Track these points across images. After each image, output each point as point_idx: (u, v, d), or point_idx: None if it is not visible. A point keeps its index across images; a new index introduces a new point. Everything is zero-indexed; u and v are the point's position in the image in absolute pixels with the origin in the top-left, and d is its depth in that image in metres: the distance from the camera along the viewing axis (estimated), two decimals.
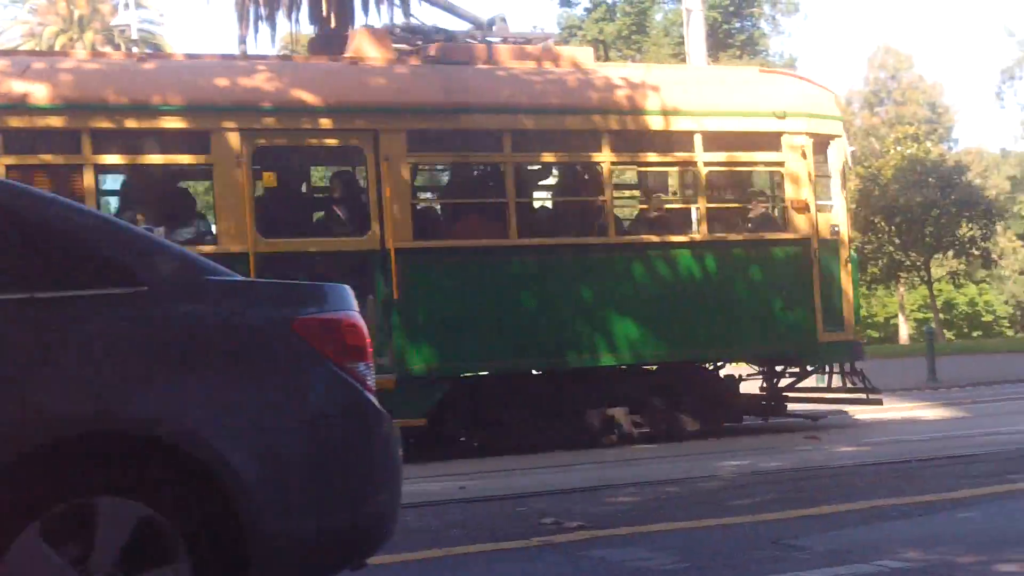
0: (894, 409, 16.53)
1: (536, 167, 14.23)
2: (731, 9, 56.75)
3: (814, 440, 13.00)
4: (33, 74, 11.93)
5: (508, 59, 14.08)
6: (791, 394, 15.48)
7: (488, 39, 14.52)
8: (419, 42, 14.33)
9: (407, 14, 35.19)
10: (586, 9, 58.40)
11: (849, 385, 15.33)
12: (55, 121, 11.82)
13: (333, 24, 34.34)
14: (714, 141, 14.18)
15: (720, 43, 54.69)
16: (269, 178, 12.72)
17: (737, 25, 58.22)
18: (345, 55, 14.21)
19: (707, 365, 14.96)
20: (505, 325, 13.17)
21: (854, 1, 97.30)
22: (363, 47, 13.89)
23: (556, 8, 59.23)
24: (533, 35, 15.39)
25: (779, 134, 14.48)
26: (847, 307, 14.96)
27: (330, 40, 36.41)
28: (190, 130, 12.31)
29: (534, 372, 13.82)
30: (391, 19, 35.68)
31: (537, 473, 11.22)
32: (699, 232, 14.10)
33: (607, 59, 15.01)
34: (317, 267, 11.97)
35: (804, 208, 14.46)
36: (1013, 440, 11.88)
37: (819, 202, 14.66)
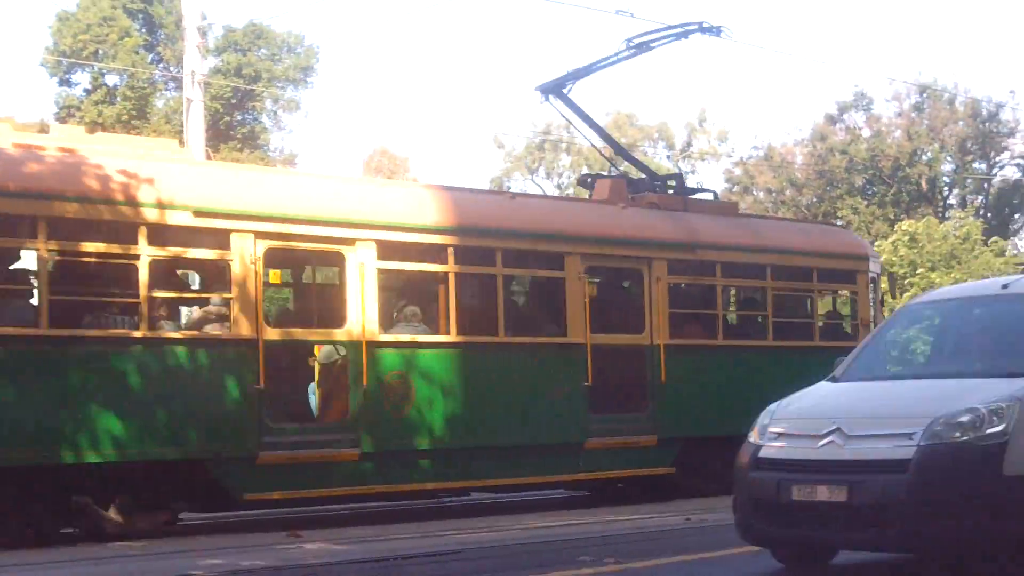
0: None
1: (735, 289, 19.89)
2: (233, 102, 56.80)
3: (296, 537, 12.94)
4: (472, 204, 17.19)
5: (696, 208, 19.56)
6: None
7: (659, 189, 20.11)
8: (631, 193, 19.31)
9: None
10: (85, 90, 56.48)
11: None
12: (473, 241, 16.38)
13: None
14: (817, 274, 20.00)
15: (222, 134, 54.56)
16: (592, 289, 17.73)
17: (239, 118, 58.36)
18: (594, 198, 19.05)
19: None
20: (715, 400, 18.25)
21: (354, 103, 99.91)
22: (604, 192, 18.85)
23: (54, 87, 56.70)
24: (698, 189, 22.35)
25: (855, 272, 20.45)
26: None
27: None
28: (552, 252, 17.04)
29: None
30: None
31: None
32: (815, 339, 19.62)
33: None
34: (618, 356, 17.56)
35: (868, 324, 19.89)
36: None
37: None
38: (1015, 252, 64.62)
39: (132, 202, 13.60)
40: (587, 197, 19.70)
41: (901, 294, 58.71)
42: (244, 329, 14.14)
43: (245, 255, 14.23)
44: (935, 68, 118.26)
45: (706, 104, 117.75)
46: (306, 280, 18.17)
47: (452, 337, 15.87)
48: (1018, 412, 8.95)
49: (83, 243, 13.35)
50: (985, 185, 75.12)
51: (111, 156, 14.04)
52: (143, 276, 13.55)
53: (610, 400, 17.41)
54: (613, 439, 17.32)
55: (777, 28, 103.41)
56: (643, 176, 20.84)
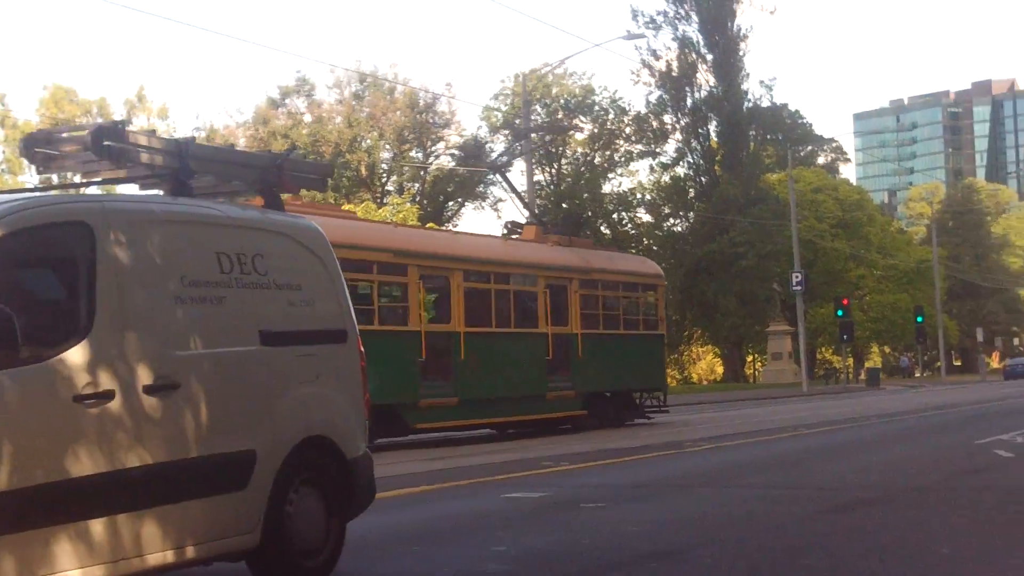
0: None
1: (604, 296, 29.06)
2: None
3: None
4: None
5: (584, 246, 30.90)
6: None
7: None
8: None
9: None
10: None
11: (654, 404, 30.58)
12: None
13: None
14: (641, 287, 30.56)
15: None
16: (547, 298, 26.70)
17: None
18: (523, 238, 28.51)
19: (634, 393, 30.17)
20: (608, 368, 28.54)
21: None
22: (531, 234, 28.56)
23: None
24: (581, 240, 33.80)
25: (655, 285, 31.18)
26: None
27: None
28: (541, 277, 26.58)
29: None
30: None
31: None
32: (636, 330, 29.89)
33: None
34: (557, 340, 26.84)
35: (662, 320, 31.84)
36: None
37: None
38: None
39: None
40: (516, 238, 28.37)
41: None
42: None
43: None
44: (375, 58, 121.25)
45: (145, 80, 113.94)
46: None
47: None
48: None
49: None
50: (422, 173, 77.42)
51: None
52: None
53: (554, 368, 26.42)
54: (559, 392, 26.42)
55: (220, 7, 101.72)
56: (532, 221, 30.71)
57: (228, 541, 7.49)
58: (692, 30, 74.86)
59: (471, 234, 29.55)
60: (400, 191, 75.80)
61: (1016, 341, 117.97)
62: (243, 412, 7.64)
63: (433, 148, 78.22)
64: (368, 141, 74.40)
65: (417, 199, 73.86)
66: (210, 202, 8.30)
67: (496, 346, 24.55)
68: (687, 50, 74.73)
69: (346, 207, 64.48)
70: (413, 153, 77.44)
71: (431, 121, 76.16)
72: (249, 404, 7.70)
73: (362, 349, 8.93)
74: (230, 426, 7.52)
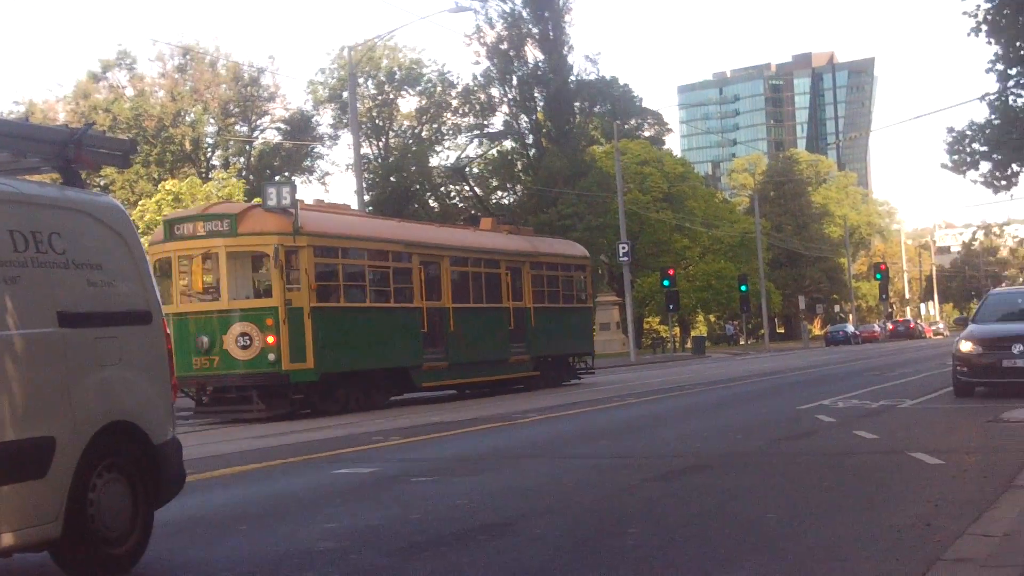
0: None
1: (548, 276, 34.25)
2: None
3: None
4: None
5: (527, 234, 36.77)
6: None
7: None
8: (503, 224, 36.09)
9: None
10: None
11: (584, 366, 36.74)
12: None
13: None
14: (574, 268, 35.95)
15: None
16: (508, 278, 32.37)
17: None
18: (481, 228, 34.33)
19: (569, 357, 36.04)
20: (552, 335, 34.40)
21: None
22: (488, 225, 34.43)
23: None
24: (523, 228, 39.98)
25: (584, 265, 36.83)
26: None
27: None
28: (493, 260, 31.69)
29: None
30: None
31: None
32: (571, 303, 35.29)
33: None
34: (516, 312, 32.41)
35: (590, 295, 38.08)
36: None
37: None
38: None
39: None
40: (475, 228, 34.30)
41: None
42: None
43: None
44: (198, 31, 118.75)
45: None
46: None
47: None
48: None
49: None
50: (247, 147, 76.10)
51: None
52: None
53: (514, 336, 31.66)
54: (518, 356, 31.71)
55: None
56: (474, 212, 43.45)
57: (28, 531, 7.08)
58: (519, 4, 74.81)
59: (451, 227, 36.33)
60: (226, 165, 74.43)
61: (837, 308, 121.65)
62: (40, 397, 7.23)
63: (259, 122, 77.00)
64: (192, 115, 72.82)
65: (243, 174, 72.61)
66: (2, 178, 7.81)
67: (474, 318, 29.91)
68: (514, 23, 74.72)
69: (170, 182, 63.23)
70: (238, 127, 76.08)
71: (256, 95, 74.91)
72: (47, 388, 7.29)
73: (168, 331, 8.56)
74: (26, 411, 7.10)
